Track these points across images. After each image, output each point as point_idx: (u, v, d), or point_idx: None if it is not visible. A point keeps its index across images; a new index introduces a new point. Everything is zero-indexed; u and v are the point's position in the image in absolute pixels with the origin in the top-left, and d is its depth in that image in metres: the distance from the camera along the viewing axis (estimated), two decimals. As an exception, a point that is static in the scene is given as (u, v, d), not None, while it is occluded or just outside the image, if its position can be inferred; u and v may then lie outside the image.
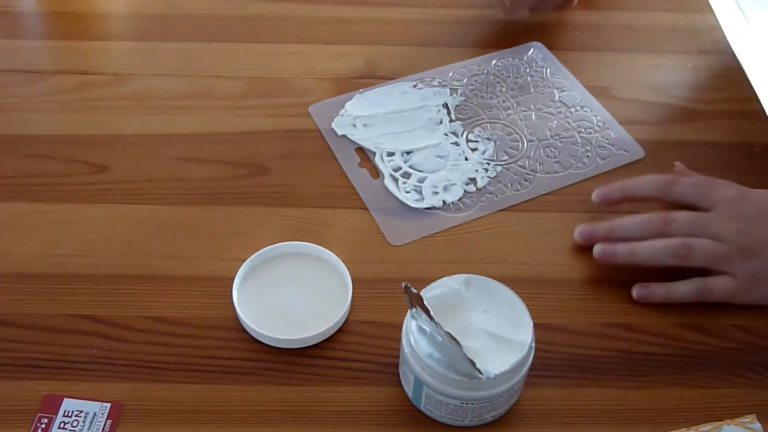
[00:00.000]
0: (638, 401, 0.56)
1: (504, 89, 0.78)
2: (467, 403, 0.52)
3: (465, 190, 0.68)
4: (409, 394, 0.55)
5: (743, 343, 0.59)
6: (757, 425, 0.53)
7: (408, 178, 0.69)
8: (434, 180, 0.69)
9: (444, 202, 0.67)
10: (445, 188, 0.68)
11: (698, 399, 0.56)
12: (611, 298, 0.62)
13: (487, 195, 0.68)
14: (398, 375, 0.56)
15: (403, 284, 0.50)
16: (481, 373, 0.50)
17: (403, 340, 0.53)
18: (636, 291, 0.61)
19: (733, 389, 0.57)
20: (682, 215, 0.62)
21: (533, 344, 0.52)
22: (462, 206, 0.67)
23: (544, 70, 0.80)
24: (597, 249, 0.62)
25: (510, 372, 0.51)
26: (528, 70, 0.80)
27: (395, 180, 0.69)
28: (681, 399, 0.56)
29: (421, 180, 0.69)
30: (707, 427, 0.53)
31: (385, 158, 0.70)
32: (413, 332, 0.52)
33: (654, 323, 0.60)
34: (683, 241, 0.60)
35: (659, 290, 0.61)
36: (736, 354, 0.59)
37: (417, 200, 0.67)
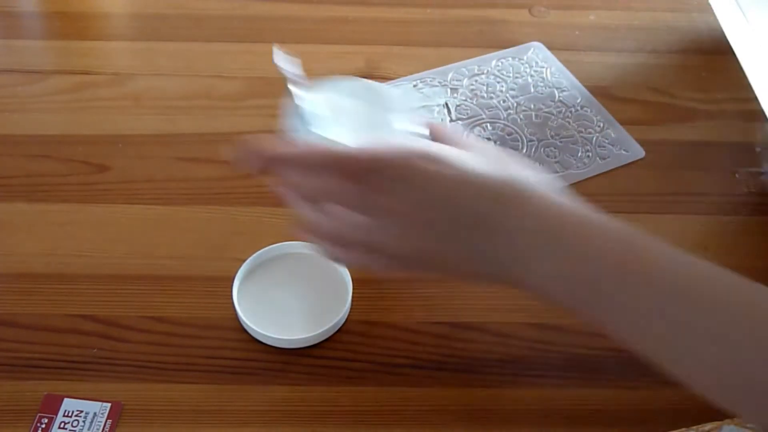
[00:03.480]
0: (638, 401, 0.56)
1: (504, 89, 0.78)
2: None
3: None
4: None
5: (743, 343, 0.59)
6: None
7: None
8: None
9: (444, 202, 0.67)
10: (445, 188, 0.68)
11: (698, 399, 0.56)
12: (611, 298, 0.61)
13: (487, 195, 0.68)
14: (398, 375, 0.56)
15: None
16: None
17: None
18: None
19: (733, 389, 0.57)
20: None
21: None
22: (462, 206, 0.67)
23: (544, 70, 0.80)
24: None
25: None
26: (528, 70, 0.80)
27: (395, 180, 0.68)
28: (681, 399, 0.56)
29: (421, 180, 0.69)
30: (707, 426, 0.53)
31: (385, 158, 0.70)
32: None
33: (654, 323, 0.60)
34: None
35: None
36: (736, 354, 0.59)
37: (417, 200, 0.67)
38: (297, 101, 0.51)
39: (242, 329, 0.58)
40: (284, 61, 0.54)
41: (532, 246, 0.47)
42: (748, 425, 0.53)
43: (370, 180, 0.47)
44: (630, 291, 0.46)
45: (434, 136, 0.52)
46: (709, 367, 0.45)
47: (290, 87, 0.51)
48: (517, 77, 0.79)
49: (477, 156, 0.49)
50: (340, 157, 0.47)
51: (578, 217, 0.48)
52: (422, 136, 0.53)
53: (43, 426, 0.53)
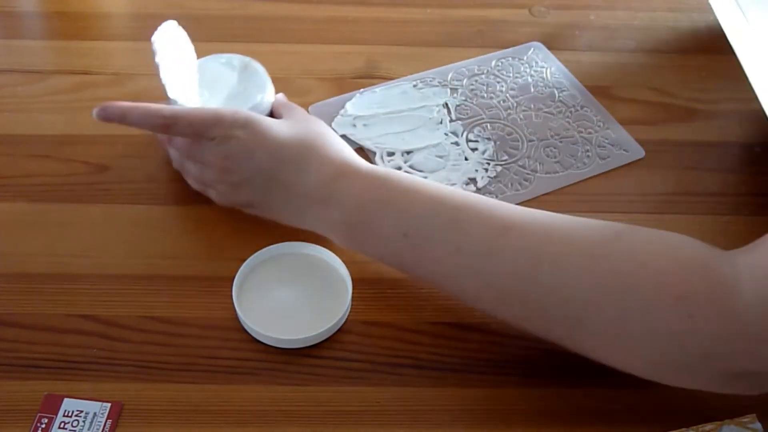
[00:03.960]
0: (638, 401, 0.56)
1: (504, 89, 0.78)
2: None
3: (465, 190, 0.68)
4: None
5: (743, 343, 0.59)
6: (758, 425, 0.53)
7: (408, 178, 0.69)
8: (434, 180, 0.69)
9: (444, 202, 0.67)
10: (445, 188, 0.68)
11: (698, 399, 0.56)
12: (611, 298, 0.61)
13: (487, 195, 0.68)
14: (398, 375, 0.56)
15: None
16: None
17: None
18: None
19: (733, 389, 0.57)
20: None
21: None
22: (462, 206, 0.67)
23: (544, 70, 0.80)
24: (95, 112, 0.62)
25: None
26: (528, 70, 0.80)
27: (395, 180, 0.69)
28: (681, 399, 0.56)
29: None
30: (707, 426, 0.53)
31: (385, 158, 0.70)
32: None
33: (654, 323, 0.60)
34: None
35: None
36: (736, 354, 0.59)
37: (417, 200, 0.67)
38: (160, 75, 0.63)
39: (242, 329, 0.58)
40: (169, 34, 0.66)
41: (311, 200, 0.59)
42: (748, 425, 0.53)
43: (195, 137, 0.61)
44: (387, 220, 0.56)
45: (273, 108, 0.68)
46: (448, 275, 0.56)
47: (156, 61, 0.63)
48: (517, 77, 0.79)
49: (286, 125, 0.62)
50: (172, 119, 0.61)
51: (348, 169, 0.59)
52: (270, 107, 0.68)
53: (43, 426, 0.53)
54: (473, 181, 0.69)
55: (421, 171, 0.69)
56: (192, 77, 0.68)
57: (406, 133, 0.73)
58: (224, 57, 0.70)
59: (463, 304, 0.58)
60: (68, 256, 0.63)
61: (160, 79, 0.63)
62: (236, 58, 0.70)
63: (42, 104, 0.75)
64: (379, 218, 0.57)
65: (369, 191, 0.58)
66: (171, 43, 0.66)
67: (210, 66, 0.69)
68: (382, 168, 0.61)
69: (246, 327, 0.58)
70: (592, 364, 0.58)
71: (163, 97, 0.76)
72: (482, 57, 0.81)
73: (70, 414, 0.53)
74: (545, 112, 0.76)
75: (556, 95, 0.77)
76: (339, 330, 0.59)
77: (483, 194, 0.68)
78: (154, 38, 0.64)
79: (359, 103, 0.75)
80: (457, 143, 0.72)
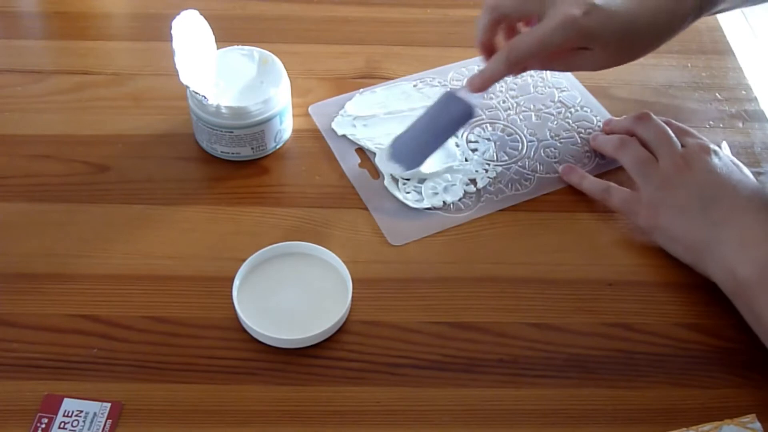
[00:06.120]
0: (638, 401, 0.56)
1: (504, 89, 0.78)
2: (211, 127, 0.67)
3: (465, 191, 0.68)
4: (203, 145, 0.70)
5: (743, 343, 0.59)
6: (757, 425, 0.53)
7: (408, 179, 0.69)
8: (434, 181, 0.69)
9: (444, 202, 0.67)
10: (445, 189, 0.68)
11: (698, 399, 0.56)
12: (611, 298, 0.62)
13: (487, 195, 0.68)
14: (398, 375, 0.56)
15: None
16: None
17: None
18: (561, 168, 0.70)
19: (732, 389, 0.57)
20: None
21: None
22: (462, 206, 0.67)
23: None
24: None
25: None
26: (528, 70, 0.80)
27: (395, 181, 0.69)
28: (681, 399, 0.56)
29: (421, 181, 0.69)
30: (707, 427, 0.53)
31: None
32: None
33: (654, 323, 0.60)
34: (623, 137, 0.68)
35: (575, 176, 0.69)
36: (736, 354, 0.59)
37: (417, 201, 0.67)
38: (174, 61, 0.65)
39: (242, 329, 0.58)
40: (188, 22, 0.68)
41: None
42: (748, 425, 0.53)
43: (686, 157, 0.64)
44: None
45: None
46: None
47: (173, 47, 0.65)
48: (516, 77, 0.79)
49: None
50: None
51: None
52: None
53: (43, 426, 0.53)
54: (473, 182, 0.69)
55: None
56: (209, 66, 0.69)
57: (406, 133, 0.73)
58: (245, 49, 0.71)
59: None
60: (68, 256, 0.63)
61: (174, 65, 0.64)
62: (257, 51, 0.71)
63: (42, 104, 0.75)
64: None
65: None
66: (189, 30, 0.67)
67: (230, 57, 0.71)
68: None
69: (246, 327, 0.58)
70: (592, 364, 0.58)
71: (167, 93, 0.76)
72: (482, 57, 0.81)
73: (70, 414, 0.53)
74: (545, 112, 0.76)
75: (556, 95, 0.77)
76: (339, 330, 0.59)
77: (483, 195, 0.68)
78: (173, 24, 0.65)
79: (359, 103, 0.75)
80: (457, 144, 0.72)
